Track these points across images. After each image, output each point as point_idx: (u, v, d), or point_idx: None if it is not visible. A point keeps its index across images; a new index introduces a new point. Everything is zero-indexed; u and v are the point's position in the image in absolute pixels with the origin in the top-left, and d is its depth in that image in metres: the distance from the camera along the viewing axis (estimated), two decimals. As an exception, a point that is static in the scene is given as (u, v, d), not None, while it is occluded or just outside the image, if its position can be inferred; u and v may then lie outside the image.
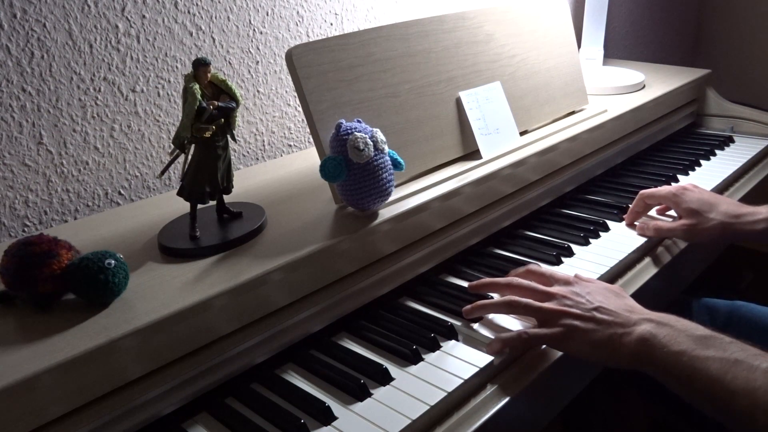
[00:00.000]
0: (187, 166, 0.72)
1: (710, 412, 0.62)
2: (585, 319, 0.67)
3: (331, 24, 1.16)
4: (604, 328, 0.66)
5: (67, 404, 0.54)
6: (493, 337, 0.70)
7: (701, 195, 0.93)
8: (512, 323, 0.74)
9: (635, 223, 0.97)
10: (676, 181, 1.14)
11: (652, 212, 1.01)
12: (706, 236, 0.90)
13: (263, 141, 1.11)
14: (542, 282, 0.75)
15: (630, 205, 0.99)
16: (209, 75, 0.69)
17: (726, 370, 0.59)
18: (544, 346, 0.72)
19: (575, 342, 0.67)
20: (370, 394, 0.64)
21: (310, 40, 1.06)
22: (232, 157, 0.75)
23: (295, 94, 1.05)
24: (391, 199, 0.79)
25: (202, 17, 0.98)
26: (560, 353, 0.71)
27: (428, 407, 0.61)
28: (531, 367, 0.69)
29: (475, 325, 0.74)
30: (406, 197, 0.82)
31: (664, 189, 0.96)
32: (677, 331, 0.63)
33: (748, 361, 0.59)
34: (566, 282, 0.74)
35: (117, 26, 0.90)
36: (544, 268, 0.79)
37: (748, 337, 0.87)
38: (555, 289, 0.73)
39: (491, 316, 0.75)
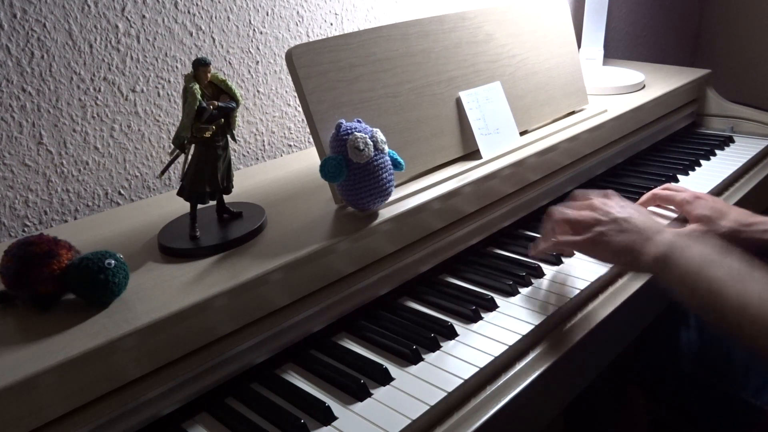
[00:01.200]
0: (187, 166, 0.72)
1: (711, 322, 0.66)
2: (612, 224, 0.74)
3: (331, 24, 1.16)
4: (628, 234, 0.72)
5: (67, 404, 0.54)
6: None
7: (714, 203, 0.94)
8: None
9: None
10: (676, 181, 1.14)
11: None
12: None
13: (263, 141, 1.11)
14: (582, 199, 0.82)
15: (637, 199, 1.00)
16: (209, 75, 0.69)
17: (742, 279, 0.63)
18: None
19: (601, 247, 0.74)
20: (370, 394, 0.64)
21: (310, 40, 1.06)
22: (232, 157, 0.75)
23: (295, 94, 1.05)
24: (391, 199, 0.79)
25: (202, 17, 0.98)
26: (560, 353, 0.71)
27: (428, 407, 0.61)
28: (531, 367, 0.69)
29: (475, 325, 0.74)
30: (406, 197, 0.82)
31: (678, 195, 0.97)
32: (696, 239, 0.69)
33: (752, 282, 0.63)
34: (604, 195, 0.81)
35: (117, 26, 0.90)
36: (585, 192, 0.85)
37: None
38: (593, 201, 0.79)
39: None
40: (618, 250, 0.73)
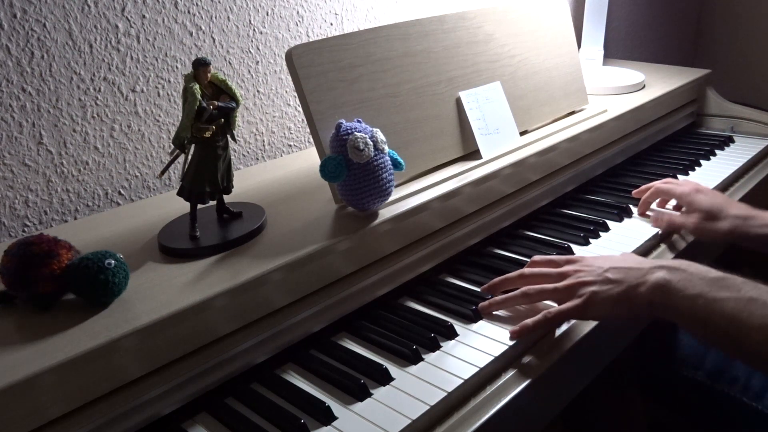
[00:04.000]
0: (187, 166, 0.72)
1: (727, 350, 0.65)
2: (600, 282, 0.70)
3: (331, 24, 1.16)
4: (619, 284, 0.69)
5: (67, 404, 0.54)
6: (504, 329, 0.72)
7: (714, 197, 0.95)
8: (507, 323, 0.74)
9: (648, 213, 1.00)
10: (676, 181, 1.15)
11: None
12: (715, 236, 0.92)
13: (263, 141, 1.11)
14: (550, 266, 0.78)
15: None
16: (209, 75, 0.69)
17: (741, 308, 0.61)
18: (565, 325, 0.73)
19: (597, 305, 0.69)
20: (370, 394, 0.64)
21: (310, 40, 1.06)
22: (232, 157, 0.75)
23: (295, 94, 1.05)
24: (391, 199, 0.79)
25: (202, 17, 0.98)
26: (559, 354, 0.71)
27: (428, 407, 0.61)
28: (531, 368, 0.69)
29: (475, 325, 0.74)
30: (406, 197, 0.82)
31: (679, 188, 0.98)
32: (690, 274, 0.66)
33: (763, 297, 0.61)
34: (572, 260, 0.77)
35: (117, 26, 0.90)
36: (549, 256, 0.81)
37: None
38: (565, 268, 0.75)
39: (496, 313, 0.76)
40: (614, 302, 0.69)
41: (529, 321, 0.70)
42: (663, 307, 0.66)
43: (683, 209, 0.98)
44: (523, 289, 0.74)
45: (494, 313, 0.75)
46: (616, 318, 0.71)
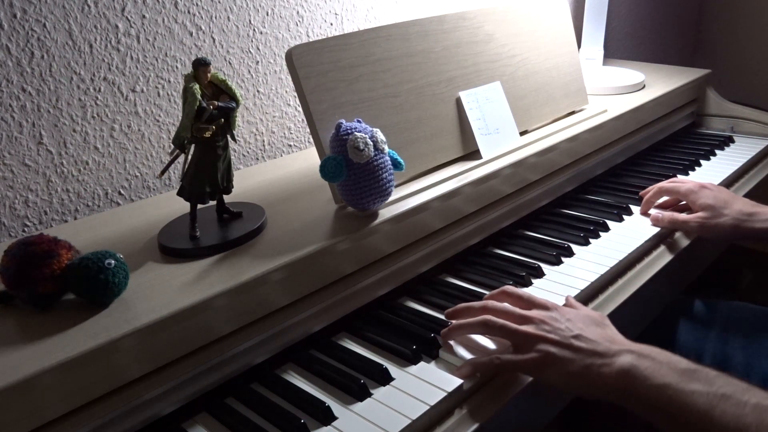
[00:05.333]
0: (187, 166, 0.72)
1: None
2: (562, 346, 0.63)
3: (331, 24, 1.16)
4: (582, 357, 0.62)
5: (67, 404, 0.54)
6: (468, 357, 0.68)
7: (718, 193, 0.95)
8: (488, 344, 0.71)
9: (650, 212, 1.00)
10: (676, 181, 1.15)
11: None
12: (719, 232, 0.92)
13: (263, 141, 1.11)
14: (519, 305, 0.71)
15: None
16: (209, 75, 0.69)
17: (713, 405, 0.56)
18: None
19: (550, 370, 0.63)
20: (370, 394, 0.64)
21: (310, 40, 1.06)
22: (232, 157, 0.75)
23: (295, 94, 1.05)
24: (391, 199, 0.79)
25: (202, 17, 0.98)
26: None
27: (428, 407, 0.61)
28: (531, 367, 0.69)
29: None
30: (406, 197, 0.82)
31: (682, 186, 0.98)
32: (659, 363, 0.60)
33: (736, 396, 0.56)
34: (545, 307, 0.69)
35: (117, 26, 0.90)
36: (523, 290, 0.74)
37: (748, 337, 0.87)
38: (533, 312, 0.68)
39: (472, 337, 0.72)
40: (570, 374, 0.62)
41: (475, 361, 0.66)
42: (628, 394, 0.60)
43: (687, 211, 0.98)
44: (485, 318, 0.68)
45: (450, 343, 0.71)
46: (570, 391, 0.64)
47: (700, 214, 0.94)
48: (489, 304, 0.71)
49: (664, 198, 1.02)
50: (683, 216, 0.96)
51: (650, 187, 1.03)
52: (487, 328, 0.68)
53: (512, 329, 0.66)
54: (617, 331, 0.68)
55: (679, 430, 0.58)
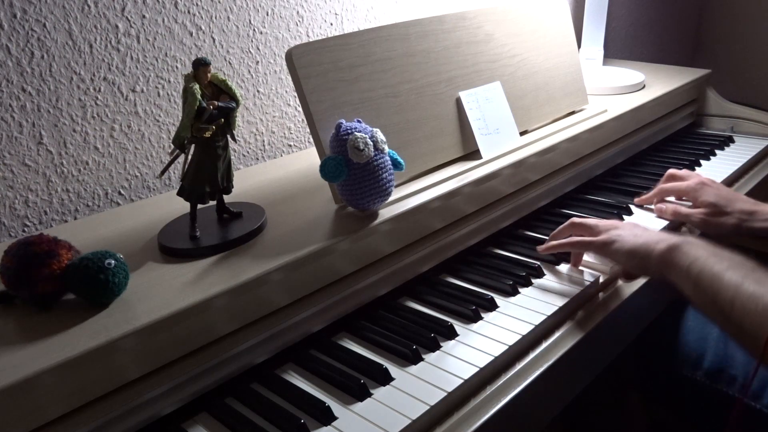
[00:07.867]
0: (187, 166, 0.72)
1: (717, 321, 0.68)
2: (627, 229, 0.80)
3: (331, 24, 1.16)
4: (641, 238, 0.77)
5: (67, 404, 0.54)
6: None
7: (720, 190, 0.96)
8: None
9: (652, 205, 1.02)
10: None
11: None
12: (720, 229, 0.92)
13: (263, 141, 1.11)
14: (589, 231, 0.86)
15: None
16: (209, 75, 0.69)
17: (740, 280, 0.64)
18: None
19: (616, 245, 0.78)
20: (370, 394, 0.64)
21: (310, 40, 1.06)
22: (232, 157, 0.75)
23: (295, 94, 1.05)
24: (391, 199, 0.79)
25: (202, 17, 0.98)
26: (562, 351, 0.71)
27: (428, 407, 0.61)
28: (531, 368, 0.69)
29: (476, 325, 0.74)
30: (406, 197, 0.82)
31: (684, 184, 0.99)
32: (699, 245, 0.72)
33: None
34: (613, 224, 0.85)
35: (117, 26, 0.90)
36: (588, 219, 0.88)
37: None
38: (603, 223, 0.84)
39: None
40: (631, 250, 0.77)
41: (555, 243, 0.84)
42: (671, 263, 0.72)
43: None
44: (572, 238, 0.84)
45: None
46: (631, 265, 0.78)
47: (702, 210, 0.95)
48: (574, 221, 0.87)
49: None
50: (686, 210, 0.96)
51: (650, 193, 1.03)
52: (573, 246, 0.85)
53: (590, 222, 0.85)
54: None
55: (708, 297, 0.67)
